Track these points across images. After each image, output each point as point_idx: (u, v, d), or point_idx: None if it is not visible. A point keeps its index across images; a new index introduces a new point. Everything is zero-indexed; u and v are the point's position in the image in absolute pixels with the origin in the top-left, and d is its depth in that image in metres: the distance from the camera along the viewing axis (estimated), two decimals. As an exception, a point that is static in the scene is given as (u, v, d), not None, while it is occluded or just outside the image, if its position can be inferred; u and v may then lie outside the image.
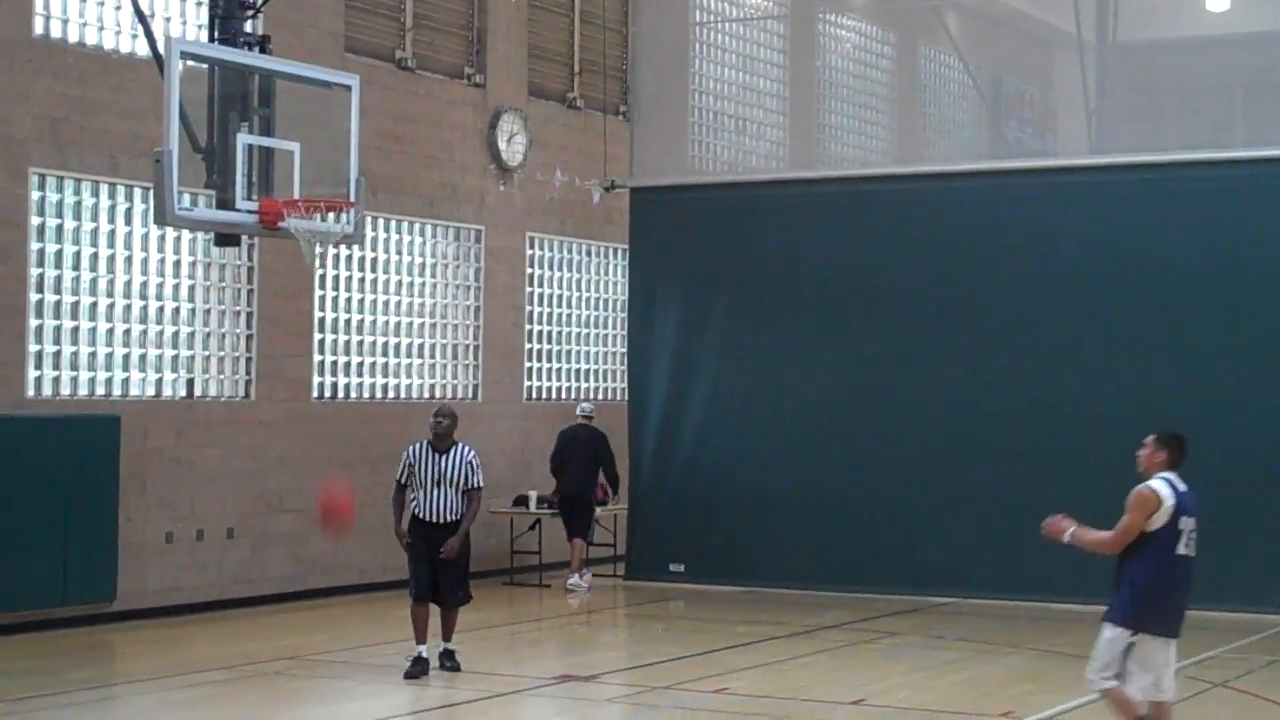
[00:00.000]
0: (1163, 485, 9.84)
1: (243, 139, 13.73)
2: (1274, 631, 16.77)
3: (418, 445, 13.80)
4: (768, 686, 13.75)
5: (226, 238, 14.73)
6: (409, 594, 13.88)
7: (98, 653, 15.55)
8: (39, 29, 16.41)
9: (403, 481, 13.81)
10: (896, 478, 19.34)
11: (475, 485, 13.75)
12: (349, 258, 19.31)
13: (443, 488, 13.61)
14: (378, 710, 12.66)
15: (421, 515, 13.71)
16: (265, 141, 14.00)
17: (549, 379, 22.55)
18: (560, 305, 22.78)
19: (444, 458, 13.66)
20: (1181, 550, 9.78)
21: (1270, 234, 17.99)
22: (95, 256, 16.91)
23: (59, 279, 16.60)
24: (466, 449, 13.79)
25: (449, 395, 20.58)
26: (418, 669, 13.59)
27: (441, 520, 13.64)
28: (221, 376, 18.12)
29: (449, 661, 13.79)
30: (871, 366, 19.62)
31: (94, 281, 16.91)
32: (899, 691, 13.56)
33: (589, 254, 23.22)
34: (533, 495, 20.31)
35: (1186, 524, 9.81)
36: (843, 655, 15.47)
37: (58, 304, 16.60)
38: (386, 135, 19.57)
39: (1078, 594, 18.12)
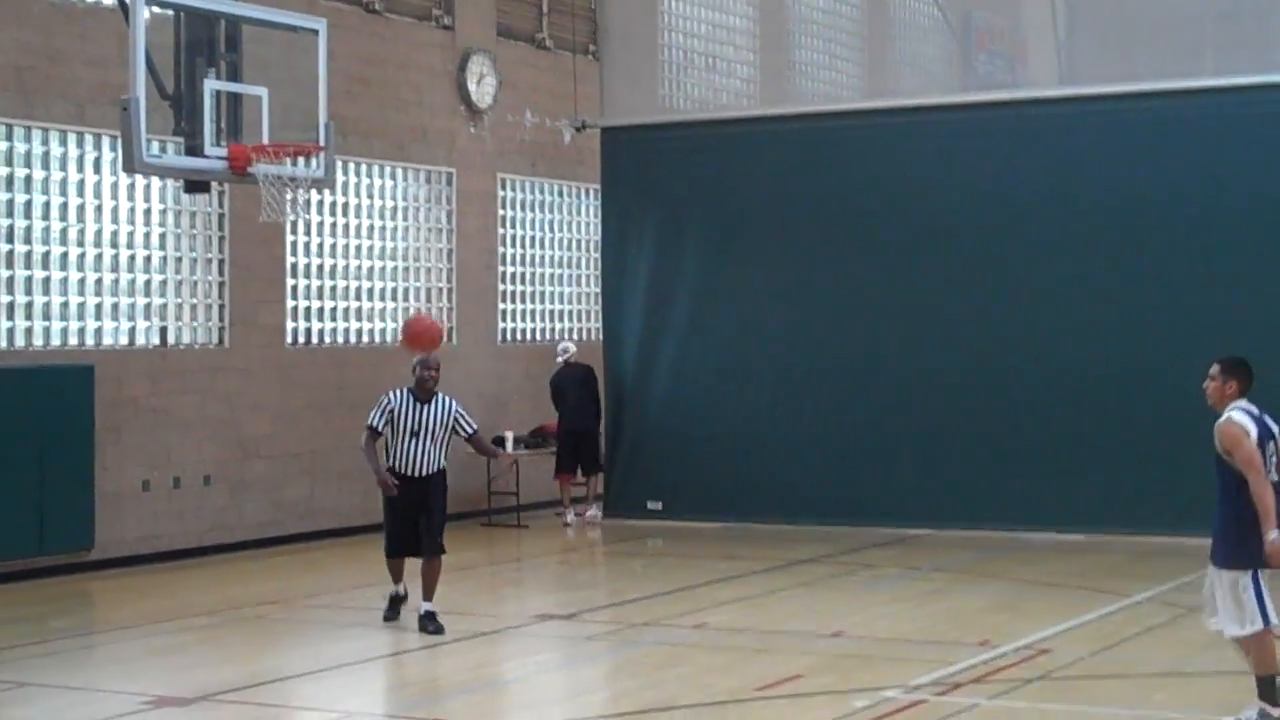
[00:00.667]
0: (1243, 416, 9.70)
1: (210, 85, 13.69)
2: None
3: (399, 392, 13.24)
4: (747, 620, 13.82)
5: (196, 184, 14.66)
6: (386, 551, 13.58)
7: (78, 601, 15.57)
8: (2, -23, 16.29)
9: (379, 428, 13.23)
10: (873, 411, 19.40)
11: (473, 430, 13.44)
12: (320, 203, 19.25)
13: (421, 439, 13.11)
14: (360, 652, 12.71)
15: (399, 468, 13.18)
16: (232, 87, 13.95)
17: (523, 320, 22.54)
18: (533, 246, 22.74)
19: (426, 408, 13.16)
20: (1273, 477, 9.62)
21: (1241, 162, 18.01)
22: (65, 206, 16.84)
23: (28, 229, 16.53)
24: (449, 400, 13.35)
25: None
26: (394, 611, 13.49)
27: (420, 473, 13.15)
28: (195, 324, 18.08)
29: (430, 624, 13.09)
30: (845, 301, 19.65)
31: (64, 231, 16.84)
32: (878, 623, 13.64)
33: (561, 194, 23.18)
34: (509, 436, 20.33)
35: (1272, 448, 9.69)
36: (821, 588, 15.55)
37: (28, 254, 16.53)
38: (355, 79, 19.49)
39: (1054, 524, 18.30)
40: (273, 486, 18.59)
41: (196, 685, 11.41)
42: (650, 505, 20.39)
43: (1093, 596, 14.59)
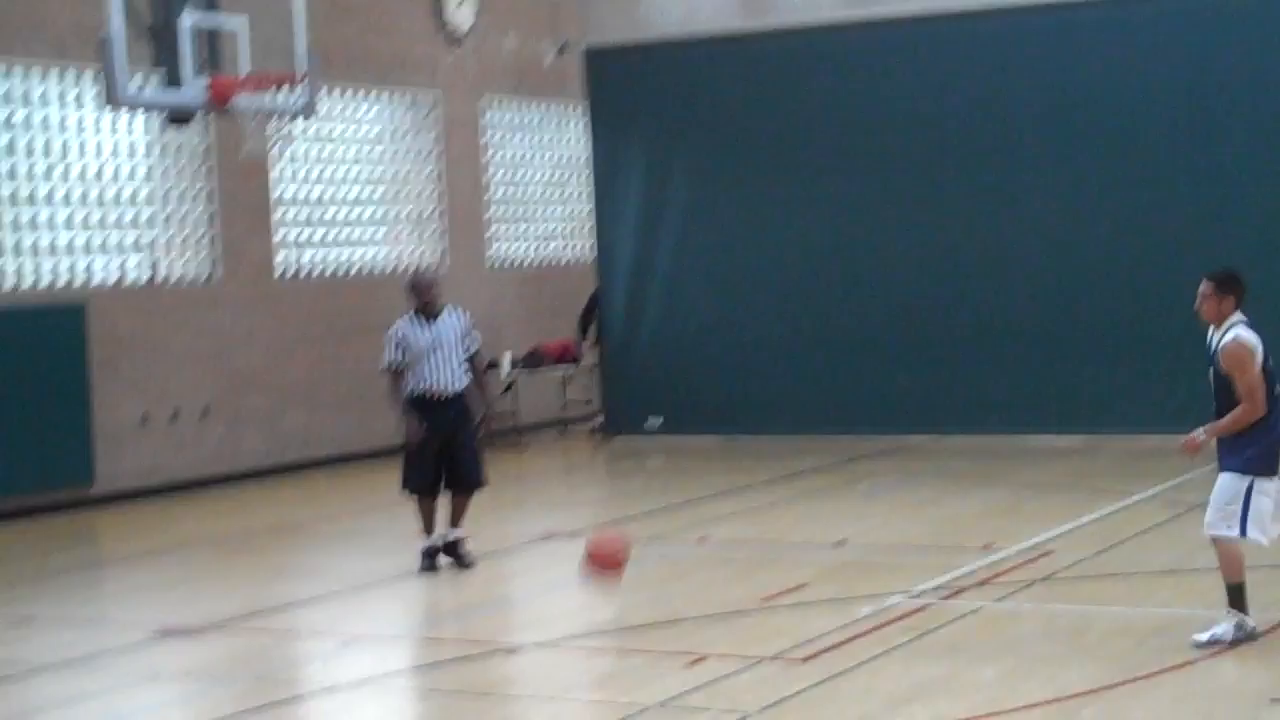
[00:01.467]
0: (1244, 331, 9.63)
1: (188, 17, 13.57)
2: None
3: (403, 321, 12.63)
4: (749, 533, 13.87)
5: (179, 118, 14.56)
6: (407, 490, 12.74)
7: (81, 536, 15.61)
8: (-25, -86, 16.14)
9: (395, 365, 12.55)
10: (868, 320, 19.37)
11: (476, 351, 12.82)
12: (305, 132, 19.13)
13: (440, 356, 12.49)
14: (364, 576, 12.74)
15: (425, 391, 12.52)
16: (211, 19, 13.84)
17: (513, 243, 22.49)
18: (520, 168, 22.66)
19: (435, 325, 12.55)
20: (1278, 390, 9.61)
21: (1231, 60, 17.92)
22: (48, 144, 16.75)
23: (13, 168, 16.45)
24: (460, 311, 12.80)
25: (414, 265, 20.50)
26: (432, 561, 12.62)
27: (446, 391, 12.50)
28: (185, 258, 18.03)
29: (460, 550, 12.62)
30: (837, 211, 19.59)
31: (49, 169, 16.76)
32: (880, 531, 13.70)
33: (545, 115, 23.07)
34: (505, 357, 20.32)
35: (1275, 362, 9.67)
36: (822, 498, 15.59)
37: (14, 193, 16.46)
38: (334, 5, 19.30)
39: (1052, 426, 18.33)
40: (270, 417, 18.60)
41: (203, 614, 11.45)
42: (650, 421, 20.41)
43: (1093, 497, 14.64)
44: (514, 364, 20.41)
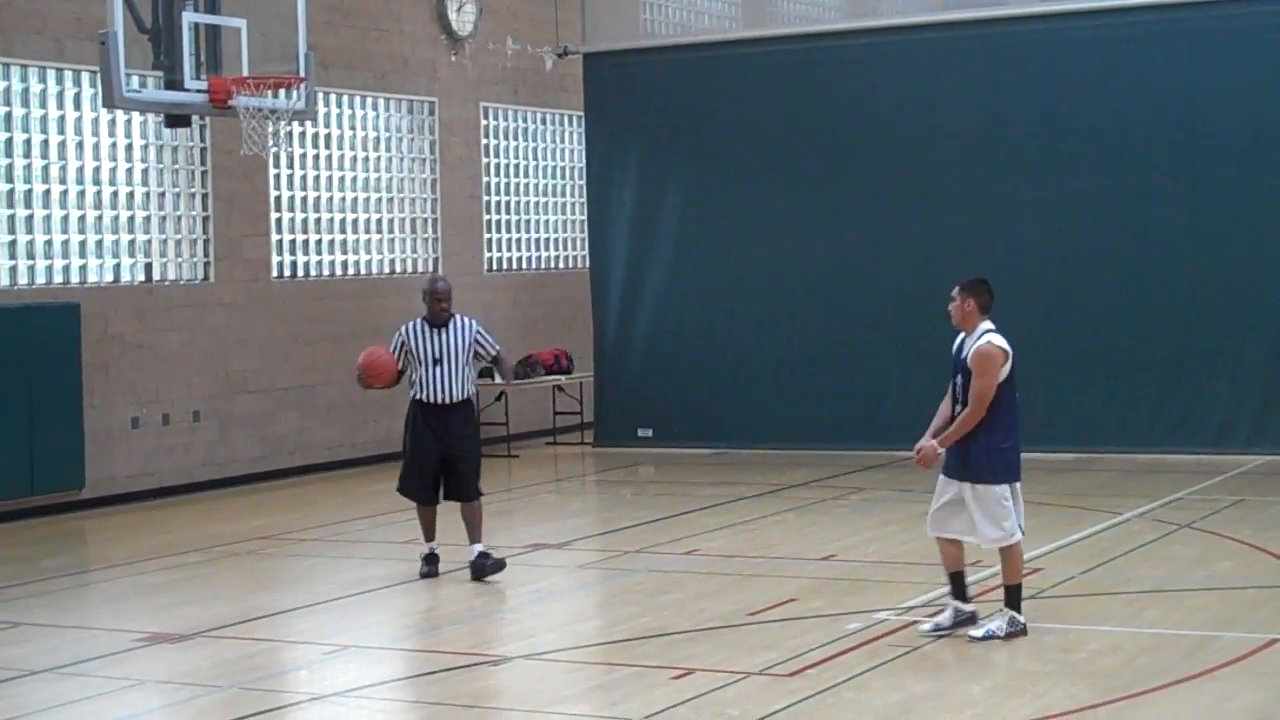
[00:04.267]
0: (997, 337, 10.16)
1: (188, 17, 13.63)
2: (1237, 472, 16.95)
3: (412, 324, 12.64)
4: (738, 546, 13.86)
5: (177, 119, 14.58)
6: (403, 492, 12.88)
7: (70, 540, 15.58)
8: (-25, -87, 16.13)
9: (399, 367, 12.64)
10: (861, 333, 19.40)
11: (496, 351, 12.77)
12: (303, 135, 19.14)
13: (445, 365, 12.48)
14: (353, 585, 12.71)
15: (425, 398, 12.56)
16: (211, 19, 13.87)
17: (509, 249, 22.47)
18: (517, 175, 22.66)
19: (444, 333, 12.53)
20: (1017, 396, 10.25)
21: (1224, 75, 17.95)
22: (46, 143, 16.74)
23: (10, 167, 16.44)
24: (469, 320, 12.71)
25: (409, 270, 20.52)
26: (432, 567, 12.75)
27: (449, 400, 12.52)
28: (180, 259, 18.02)
29: (488, 561, 12.53)
30: (831, 223, 19.62)
31: (46, 169, 16.76)
32: (868, 546, 13.69)
33: (544, 122, 23.06)
34: (498, 366, 20.28)
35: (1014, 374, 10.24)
36: (812, 512, 15.58)
37: (10, 193, 16.45)
38: (334, 9, 19.35)
39: (1043, 443, 18.31)
40: (262, 421, 18.58)
41: (190, 622, 11.43)
42: (640, 433, 20.41)
43: (1083, 515, 14.64)
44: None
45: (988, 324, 10.25)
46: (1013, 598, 10.27)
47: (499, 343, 12.97)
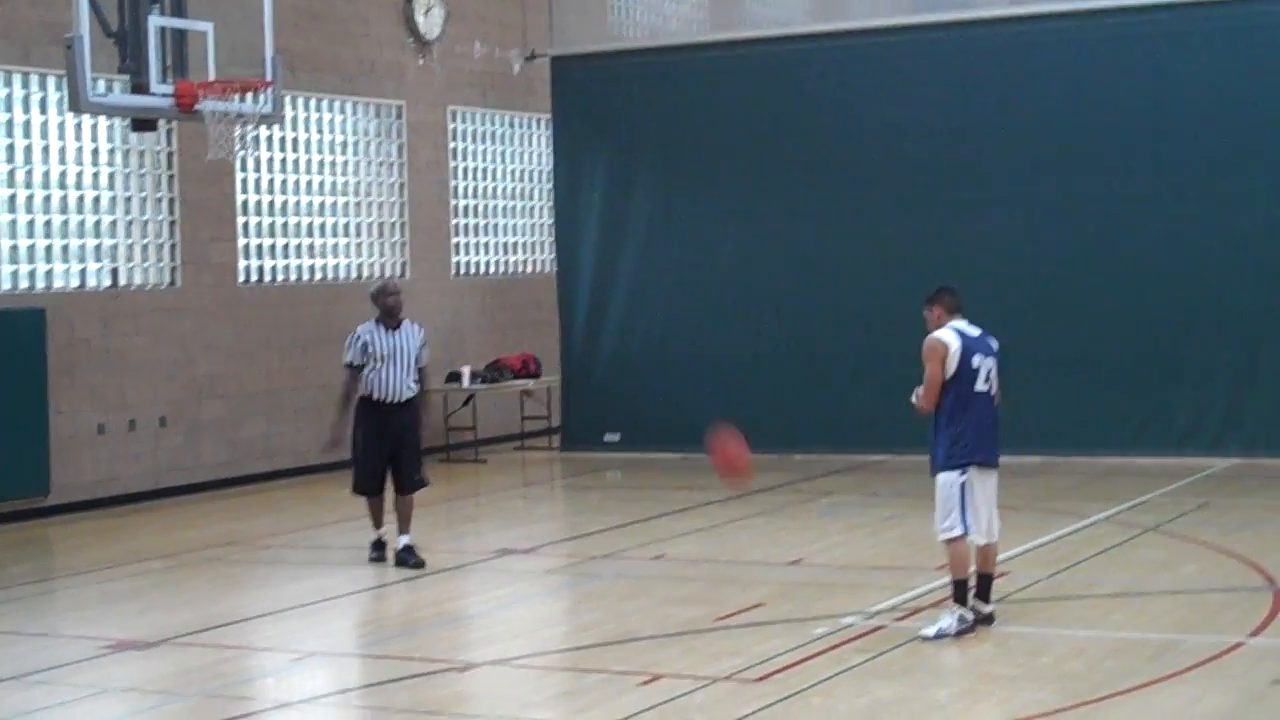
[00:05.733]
0: (946, 332, 10.44)
1: (154, 21, 13.56)
2: (1202, 475, 17.01)
3: (368, 325, 13.32)
4: (706, 550, 13.86)
5: (143, 123, 14.53)
6: (357, 491, 13.54)
7: (35, 547, 15.50)
8: (-61, -84, 16.06)
9: (355, 363, 13.25)
10: (829, 337, 19.41)
11: (426, 361, 13.55)
12: (270, 138, 19.09)
13: (397, 365, 13.20)
14: (320, 591, 12.68)
15: (378, 396, 13.24)
16: (177, 23, 13.83)
17: (477, 253, 22.45)
18: (485, 179, 22.63)
19: (395, 334, 13.29)
20: (980, 387, 10.43)
21: (1192, 76, 18.02)
22: (11, 148, 16.67)
23: (-26, 172, 16.38)
24: (416, 325, 13.53)
25: (377, 274, 20.47)
26: (380, 553, 13.46)
27: (395, 399, 13.23)
28: (146, 264, 17.95)
29: (411, 558, 13.26)
30: (799, 227, 19.63)
31: (11, 174, 16.68)
32: (836, 550, 13.71)
33: (512, 125, 23.04)
34: (465, 371, 20.29)
35: (981, 362, 10.43)
36: (780, 517, 15.59)
37: (-26, 197, 16.39)
38: (301, 12, 19.29)
39: (1011, 446, 18.30)
40: (229, 426, 18.52)
41: (156, 628, 11.39)
42: (608, 437, 20.40)
43: (1049, 519, 14.68)
44: (474, 377, 20.36)
45: (954, 322, 10.53)
46: (958, 593, 10.39)
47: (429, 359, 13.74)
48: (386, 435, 13.28)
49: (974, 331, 10.56)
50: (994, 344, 10.65)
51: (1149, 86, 18.19)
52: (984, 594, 10.59)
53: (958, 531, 10.38)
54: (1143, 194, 18.17)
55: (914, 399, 10.57)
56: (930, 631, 10.28)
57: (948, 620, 10.31)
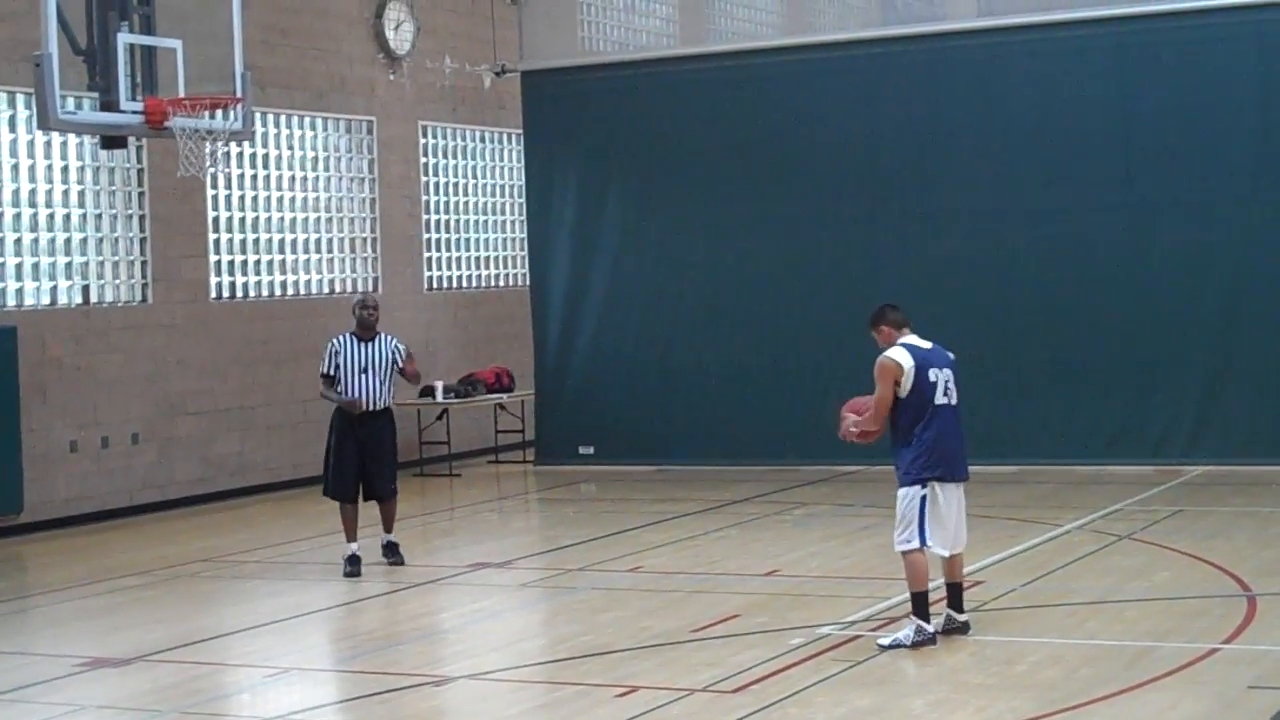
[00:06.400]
0: (898, 351, 10.47)
1: (123, 38, 13.52)
2: (1176, 483, 17.07)
3: (341, 336, 13.81)
4: (681, 563, 13.86)
5: (113, 140, 14.51)
6: (329, 494, 13.90)
7: (8, 565, 15.43)
8: (-94, -66, 16.02)
9: (330, 373, 13.72)
10: (802, 349, 19.43)
11: (407, 363, 13.80)
12: (240, 155, 19.07)
13: (369, 376, 13.61)
14: (295, 607, 12.67)
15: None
16: (146, 40, 13.80)
17: (449, 268, 22.44)
18: (457, 194, 22.64)
19: (370, 345, 13.69)
20: (940, 400, 10.42)
21: (1160, 87, 18.11)
22: (-20, 165, 16.64)
23: (-56, 190, 16.32)
24: (391, 338, 13.88)
25: (349, 289, 20.46)
26: (355, 567, 13.62)
27: (372, 407, 13.65)
28: (118, 281, 17.92)
29: (393, 555, 13.91)
30: (770, 239, 19.67)
31: (-20, 191, 16.64)
32: (811, 561, 13.72)
33: (483, 140, 23.06)
34: (439, 385, 20.28)
35: (938, 375, 10.45)
36: (755, 528, 15.60)
37: (-56, 216, 16.33)
38: (271, 29, 19.29)
39: (983, 456, 18.38)
40: (202, 443, 18.48)
41: (131, 646, 11.36)
42: (582, 450, 20.39)
43: (1023, 527, 14.72)
44: (448, 391, 20.35)
45: (903, 338, 10.60)
46: (917, 606, 10.38)
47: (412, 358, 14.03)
48: (360, 443, 13.66)
49: (926, 345, 10.57)
50: (950, 355, 10.64)
51: (1117, 97, 18.28)
52: (956, 604, 10.62)
53: (914, 544, 10.37)
54: (1112, 204, 18.25)
55: (843, 433, 10.72)
56: (886, 641, 10.35)
57: (906, 631, 10.35)
